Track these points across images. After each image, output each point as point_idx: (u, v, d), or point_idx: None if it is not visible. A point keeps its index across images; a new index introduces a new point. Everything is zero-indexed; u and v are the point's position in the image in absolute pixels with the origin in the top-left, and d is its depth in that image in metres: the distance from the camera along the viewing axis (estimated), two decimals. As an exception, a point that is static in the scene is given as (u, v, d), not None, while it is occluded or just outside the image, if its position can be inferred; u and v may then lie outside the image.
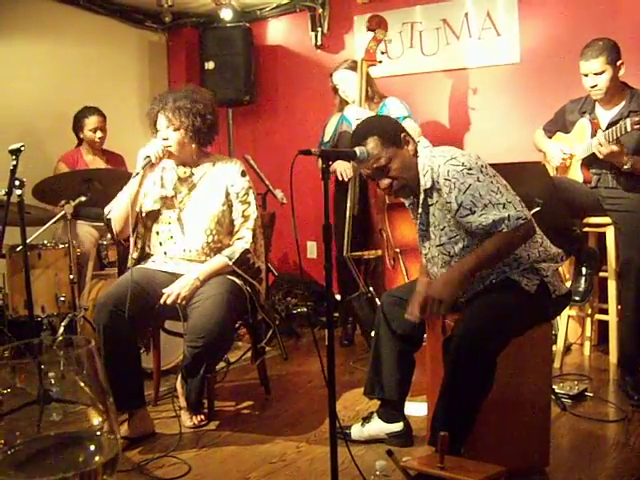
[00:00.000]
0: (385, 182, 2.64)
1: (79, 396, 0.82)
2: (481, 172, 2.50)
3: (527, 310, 2.52)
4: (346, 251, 4.36)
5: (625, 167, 3.46)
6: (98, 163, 4.85)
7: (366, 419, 3.01)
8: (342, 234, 4.42)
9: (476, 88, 5.15)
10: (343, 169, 4.45)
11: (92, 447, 0.78)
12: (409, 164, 2.62)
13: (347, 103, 4.67)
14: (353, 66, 4.59)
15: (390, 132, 2.63)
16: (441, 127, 5.30)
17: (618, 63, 3.56)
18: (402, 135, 2.64)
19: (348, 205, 4.37)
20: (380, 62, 4.54)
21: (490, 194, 2.46)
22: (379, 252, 4.27)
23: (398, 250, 4.02)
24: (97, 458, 0.77)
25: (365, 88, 4.45)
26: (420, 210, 2.66)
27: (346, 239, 4.36)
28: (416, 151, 2.65)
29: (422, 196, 2.62)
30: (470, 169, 2.49)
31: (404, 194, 2.75)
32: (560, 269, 2.71)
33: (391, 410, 2.95)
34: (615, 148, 3.39)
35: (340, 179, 4.48)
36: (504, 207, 2.45)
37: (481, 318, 2.40)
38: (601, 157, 3.46)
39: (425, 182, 2.58)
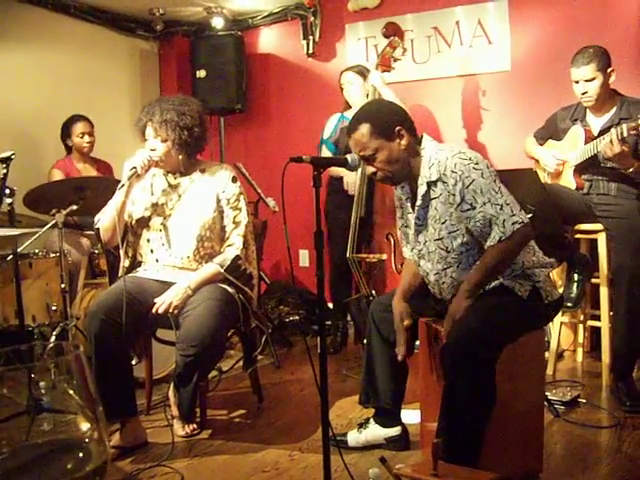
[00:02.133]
0: (370, 169, 2.65)
1: (68, 404, 0.82)
2: (487, 168, 2.52)
3: (520, 315, 2.52)
4: (350, 253, 4.35)
5: (629, 170, 3.45)
6: (89, 170, 4.85)
7: (362, 425, 3.01)
8: (340, 236, 4.43)
9: (468, 96, 5.17)
10: (352, 182, 4.48)
11: (81, 454, 0.77)
12: (396, 158, 2.61)
13: (349, 105, 4.69)
14: (362, 70, 4.63)
15: (384, 123, 2.61)
16: (432, 134, 5.25)
17: (609, 70, 3.57)
18: (397, 128, 2.61)
19: (354, 207, 4.37)
20: (394, 69, 4.55)
21: (490, 192, 2.47)
22: (383, 256, 4.26)
23: None
24: (86, 466, 0.76)
25: (374, 95, 4.44)
26: (420, 202, 2.64)
27: (350, 241, 4.36)
28: (410, 145, 2.64)
29: (424, 188, 2.60)
30: (477, 164, 2.50)
31: (389, 183, 2.75)
32: (552, 275, 2.72)
33: (387, 416, 2.96)
34: (625, 149, 3.37)
35: (350, 192, 4.50)
36: (501, 208, 2.46)
37: (476, 324, 2.40)
38: (609, 156, 3.42)
39: (430, 174, 2.57)
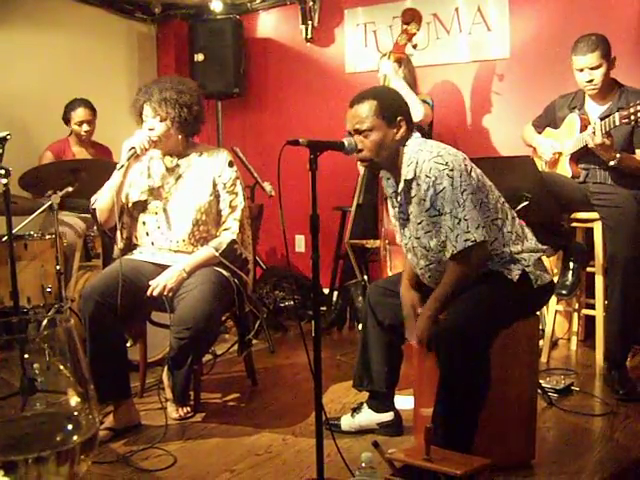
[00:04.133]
0: (358, 145, 2.60)
1: (61, 383, 0.81)
2: (460, 176, 2.46)
3: (511, 299, 2.52)
4: (347, 238, 4.36)
5: (612, 163, 3.46)
6: (85, 155, 4.83)
7: (356, 409, 3.02)
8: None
9: (466, 83, 5.15)
10: None
11: (70, 426, 0.77)
12: (387, 145, 2.60)
13: None
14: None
15: (389, 108, 2.60)
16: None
17: (611, 57, 3.56)
18: (399, 118, 2.60)
19: (356, 194, 4.37)
20: (411, 55, 4.49)
21: (453, 204, 2.45)
22: (377, 242, 4.26)
23: (387, 242, 4.01)
24: (75, 437, 0.76)
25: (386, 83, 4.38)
26: (400, 198, 2.65)
27: (349, 227, 4.36)
28: (403, 139, 2.62)
29: (402, 185, 2.60)
30: (452, 170, 2.46)
31: (366, 166, 2.73)
32: (548, 263, 2.71)
33: (381, 401, 2.96)
34: (607, 141, 3.39)
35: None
36: (459, 222, 2.44)
37: (467, 310, 2.41)
38: (591, 146, 3.45)
39: (407, 173, 2.57)
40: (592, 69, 3.57)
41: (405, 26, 4.49)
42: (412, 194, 2.59)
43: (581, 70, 3.61)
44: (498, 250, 2.54)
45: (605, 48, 3.54)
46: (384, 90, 2.76)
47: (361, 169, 4.35)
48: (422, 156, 2.54)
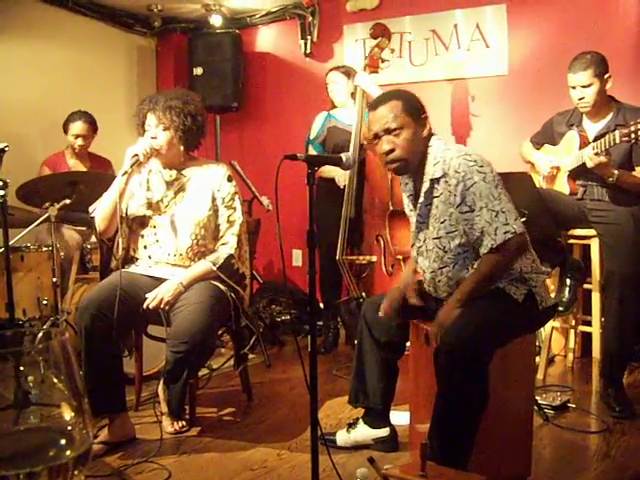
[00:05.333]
0: (386, 146, 2.57)
1: (55, 396, 0.81)
2: (491, 172, 2.49)
3: (514, 319, 2.51)
4: (340, 254, 4.34)
5: (610, 180, 3.48)
6: (80, 168, 4.82)
7: (352, 425, 3.00)
8: (328, 239, 4.41)
9: (464, 99, 5.17)
10: (342, 176, 4.46)
11: (63, 441, 0.77)
12: (416, 143, 2.59)
13: (334, 104, 4.71)
14: (347, 71, 4.66)
15: (415, 106, 2.62)
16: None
17: (605, 76, 3.58)
18: (424, 116, 2.63)
19: (344, 208, 4.36)
20: (382, 69, 4.55)
21: (489, 197, 2.45)
22: (373, 258, 4.25)
23: (400, 257, 3.99)
24: (68, 452, 0.76)
25: (361, 95, 4.43)
26: (422, 200, 2.63)
27: (340, 243, 4.35)
28: (429, 138, 2.63)
29: (427, 185, 2.59)
30: (481, 166, 2.48)
31: (396, 168, 2.66)
32: (545, 281, 2.71)
33: (376, 417, 2.95)
34: (603, 159, 3.41)
35: (341, 186, 4.47)
36: (496, 215, 2.44)
37: (470, 327, 2.38)
38: (590, 166, 3.47)
39: (434, 172, 2.56)
40: (584, 87, 3.60)
41: (375, 40, 4.58)
42: (436, 194, 2.58)
43: (574, 87, 3.64)
44: (515, 264, 2.54)
45: (599, 67, 3.56)
46: (401, 91, 2.74)
47: (347, 181, 4.36)
48: (449, 154, 2.54)
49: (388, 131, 2.57)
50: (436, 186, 2.57)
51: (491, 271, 2.49)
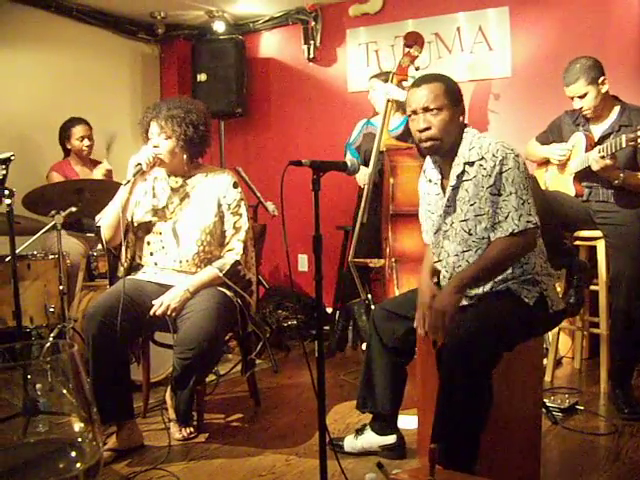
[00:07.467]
0: (423, 124, 2.59)
1: (64, 406, 0.81)
2: (524, 164, 2.54)
3: (523, 323, 2.49)
4: (351, 257, 4.36)
5: (616, 182, 3.48)
6: (87, 173, 4.84)
7: (359, 431, 2.99)
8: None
9: (468, 102, 5.17)
10: (362, 176, 4.52)
11: (73, 453, 0.76)
12: (452, 127, 2.61)
13: (376, 111, 4.74)
14: (385, 78, 4.63)
15: (455, 91, 2.65)
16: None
17: (600, 80, 3.57)
18: (462, 104, 2.68)
19: (360, 213, 4.39)
20: (412, 77, 4.55)
21: (519, 185, 2.48)
22: (382, 261, 4.25)
23: (394, 260, 3.99)
24: (78, 465, 0.76)
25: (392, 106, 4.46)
26: (453, 183, 2.62)
27: (353, 246, 4.37)
28: (462, 124, 2.67)
29: (460, 168, 2.59)
30: (517, 155, 2.53)
31: (429, 147, 2.65)
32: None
33: (384, 423, 2.94)
34: (609, 162, 3.41)
35: (361, 185, 4.53)
36: (523, 204, 2.48)
37: (476, 329, 2.37)
38: (595, 169, 3.47)
39: (470, 155, 2.58)
40: (580, 97, 3.60)
41: (408, 49, 4.55)
42: (468, 177, 2.59)
43: (572, 98, 3.65)
44: (526, 261, 2.55)
45: (590, 75, 3.56)
46: (445, 75, 2.75)
47: (361, 182, 4.38)
48: (486, 141, 2.58)
49: (427, 110, 2.59)
50: (468, 169, 2.59)
51: (500, 256, 2.49)
